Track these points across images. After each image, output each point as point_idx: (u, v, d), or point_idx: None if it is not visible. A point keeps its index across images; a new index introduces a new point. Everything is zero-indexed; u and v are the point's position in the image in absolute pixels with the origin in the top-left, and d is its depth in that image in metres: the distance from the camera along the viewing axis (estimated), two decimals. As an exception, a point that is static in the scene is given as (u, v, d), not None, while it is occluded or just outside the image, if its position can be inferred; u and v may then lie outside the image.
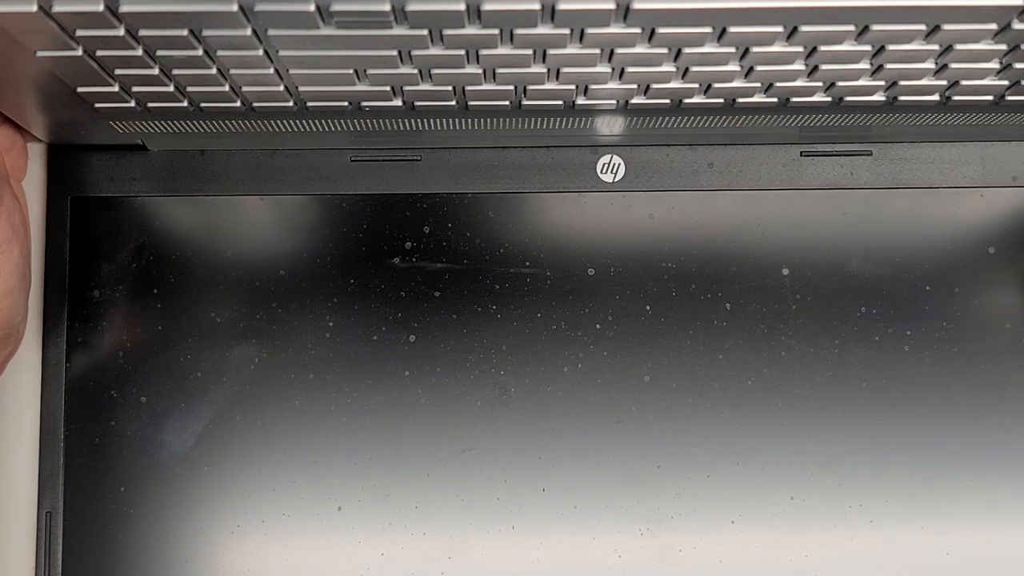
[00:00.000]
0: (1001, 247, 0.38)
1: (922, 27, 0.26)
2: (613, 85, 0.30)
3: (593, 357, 0.37)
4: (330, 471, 0.37)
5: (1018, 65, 0.29)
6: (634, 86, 0.30)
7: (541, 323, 0.37)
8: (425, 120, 0.33)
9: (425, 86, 0.30)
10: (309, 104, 0.31)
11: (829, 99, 0.32)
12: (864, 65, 0.29)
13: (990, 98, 0.32)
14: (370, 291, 0.37)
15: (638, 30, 0.26)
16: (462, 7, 0.24)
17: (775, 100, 0.32)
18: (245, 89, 0.30)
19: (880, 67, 0.29)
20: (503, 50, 0.27)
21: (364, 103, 0.31)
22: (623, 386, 0.37)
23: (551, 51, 0.27)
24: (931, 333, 0.37)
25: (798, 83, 0.30)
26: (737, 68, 0.29)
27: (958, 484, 0.37)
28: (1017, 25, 0.26)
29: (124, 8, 0.24)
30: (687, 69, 0.29)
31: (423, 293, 0.37)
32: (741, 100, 0.32)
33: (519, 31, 0.26)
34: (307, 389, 0.37)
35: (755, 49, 0.27)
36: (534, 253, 0.37)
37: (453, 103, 0.31)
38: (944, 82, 0.30)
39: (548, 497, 0.37)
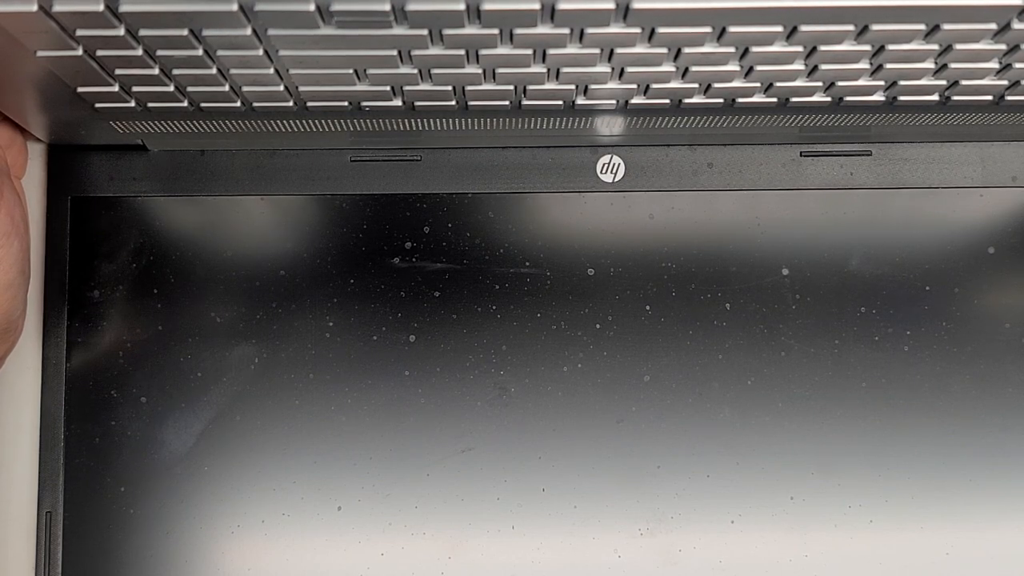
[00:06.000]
0: (1001, 247, 0.38)
1: (922, 27, 0.26)
2: (613, 85, 0.30)
3: (593, 357, 0.37)
4: (330, 471, 0.37)
5: (1018, 65, 0.29)
6: (634, 86, 0.30)
7: (541, 323, 0.37)
8: (425, 120, 0.33)
9: (425, 86, 0.30)
10: (309, 104, 0.31)
11: (829, 99, 0.32)
12: (864, 65, 0.29)
13: (990, 98, 0.32)
14: (370, 291, 0.37)
15: (638, 30, 0.26)
16: (462, 7, 0.24)
17: (775, 100, 0.32)
18: (245, 89, 0.30)
19: (880, 67, 0.29)
20: (503, 50, 0.27)
21: (364, 103, 0.31)
22: (623, 386, 0.37)
23: (551, 51, 0.27)
24: (931, 333, 0.37)
25: (798, 83, 0.30)
26: (737, 68, 0.29)
27: (958, 484, 0.37)
28: (1017, 25, 0.26)
29: (124, 8, 0.24)
30: (687, 69, 0.29)
31: (423, 293, 0.37)
32: (741, 100, 0.32)
33: (519, 31, 0.26)
34: (307, 389, 0.37)
35: (755, 49, 0.27)
36: (534, 253, 0.37)
37: (453, 103, 0.31)
38: (944, 82, 0.30)
39: (548, 497, 0.37)
